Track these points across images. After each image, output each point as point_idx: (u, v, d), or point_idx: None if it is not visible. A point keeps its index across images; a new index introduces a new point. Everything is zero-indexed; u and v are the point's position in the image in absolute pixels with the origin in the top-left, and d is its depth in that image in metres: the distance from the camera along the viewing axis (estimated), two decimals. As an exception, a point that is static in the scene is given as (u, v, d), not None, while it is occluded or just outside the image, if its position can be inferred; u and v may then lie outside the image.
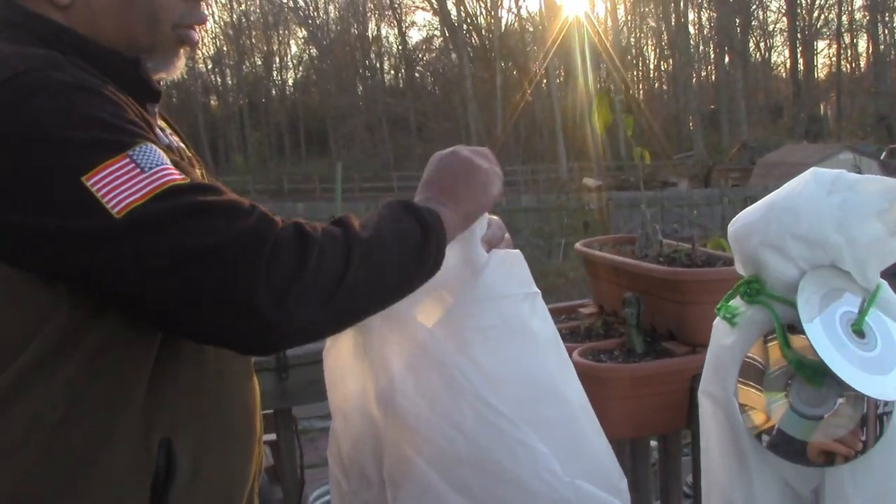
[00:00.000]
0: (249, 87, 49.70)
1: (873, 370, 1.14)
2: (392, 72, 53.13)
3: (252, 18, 49.74)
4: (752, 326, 1.25)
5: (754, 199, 1.31)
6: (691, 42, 45.55)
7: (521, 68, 41.54)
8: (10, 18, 1.02)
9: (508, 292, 1.16)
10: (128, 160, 0.88)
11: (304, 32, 49.45)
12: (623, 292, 1.84)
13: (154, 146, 0.92)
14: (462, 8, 43.88)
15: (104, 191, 0.86)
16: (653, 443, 2.13)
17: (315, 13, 49.45)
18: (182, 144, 1.18)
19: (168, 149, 1.04)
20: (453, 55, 44.21)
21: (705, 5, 45.21)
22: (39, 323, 0.91)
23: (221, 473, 1.06)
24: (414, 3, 49.59)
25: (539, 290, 1.21)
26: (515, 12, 48.96)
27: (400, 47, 50.53)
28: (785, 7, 46.02)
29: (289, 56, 52.93)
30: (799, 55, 46.71)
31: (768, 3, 47.48)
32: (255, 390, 1.16)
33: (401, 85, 50.25)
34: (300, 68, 52.81)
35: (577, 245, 2.17)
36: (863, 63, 48.88)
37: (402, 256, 1.01)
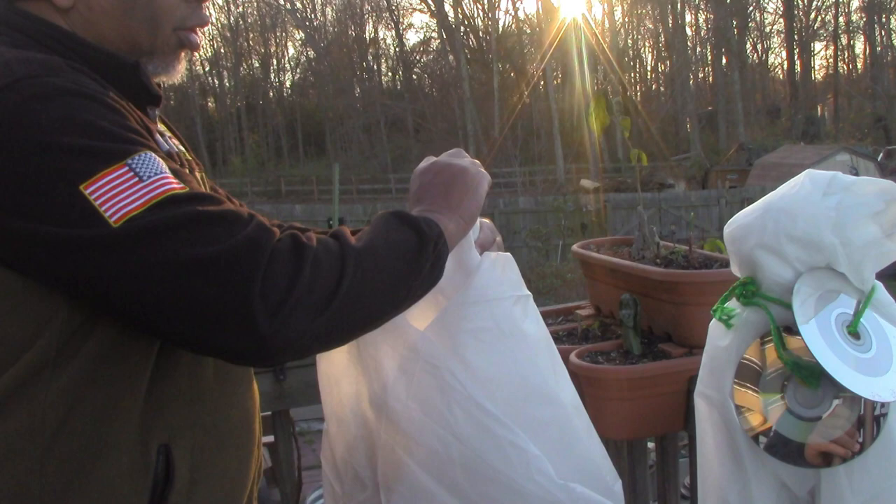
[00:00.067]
0: (247, 89, 49.66)
1: (868, 371, 1.14)
2: (389, 74, 53.21)
3: (249, 20, 49.77)
4: (748, 328, 1.25)
5: (752, 201, 1.32)
6: (688, 44, 45.58)
7: (519, 70, 41.55)
8: (11, 21, 1.01)
9: (500, 295, 1.16)
10: (126, 169, 0.88)
11: (302, 34, 49.46)
12: (620, 294, 1.84)
13: (153, 154, 0.92)
14: (459, 10, 43.92)
15: (102, 199, 0.86)
16: (650, 444, 2.13)
17: (312, 15, 49.48)
18: (181, 148, 1.18)
19: (168, 155, 1.04)
20: (450, 57, 44.21)
21: (702, 7, 45.27)
22: (38, 329, 0.91)
23: (220, 478, 1.06)
24: (411, 5, 49.67)
25: (530, 293, 1.21)
26: (513, 14, 49.09)
27: (397, 49, 50.59)
28: (782, 9, 46.10)
29: (286, 58, 52.99)
30: (796, 57, 46.81)
31: (765, 5, 47.62)
32: (255, 394, 1.16)
33: (398, 87, 50.25)
34: (297, 70, 52.87)
35: (575, 247, 2.17)
36: (860, 65, 49.03)
37: (397, 266, 1.00)
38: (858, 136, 36.19)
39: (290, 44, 52.86)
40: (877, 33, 45.51)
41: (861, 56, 48.97)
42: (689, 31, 46.47)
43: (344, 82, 46.51)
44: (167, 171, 0.91)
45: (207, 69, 46.50)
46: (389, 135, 43.82)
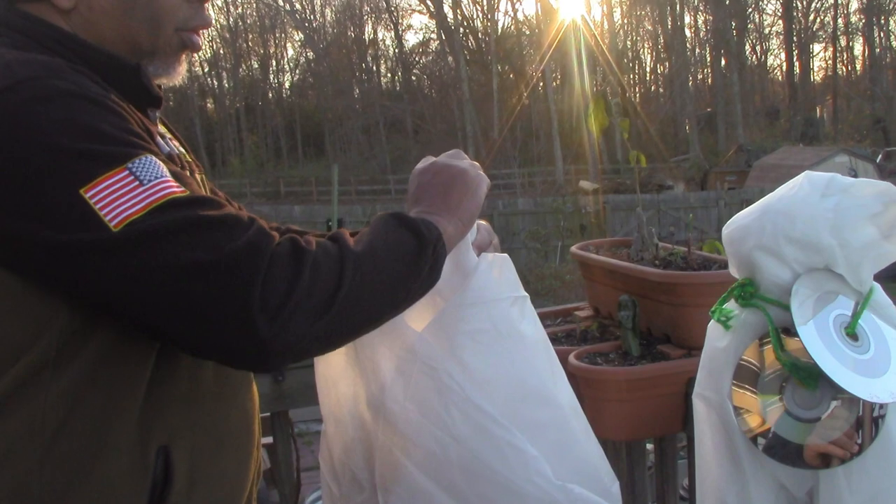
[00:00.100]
0: (246, 90, 49.67)
1: (866, 373, 1.14)
2: (389, 75, 53.21)
3: (248, 21, 49.79)
4: (747, 329, 1.25)
5: (751, 202, 1.32)
6: (687, 45, 45.61)
7: (518, 71, 41.56)
8: (11, 23, 1.01)
9: (498, 296, 1.16)
10: (127, 173, 0.88)
11: (301, 35, 49.46)
12: (619, 295, 1.84)
13: (154, 158, 0.92)
14: (458, 11, 43.93)
15: (102, 203, 0.86)
16: (649, 446, 2.13)
17: (311, 16, 49.49)
18: (182, 149, 1.17)
19: (168, 157, 1.04)
20: (450, 58, 44.23)
21: (701, 8, 45.31)
22: (39, 330, 0.91)
23: (220, 479, 1.06)
24: (410, 6, 49.79)
25: (527, 294, 1.21)
26: (512, 15, 49.04)
27: (396, 50, 50.60)
28: (781, 10, 46.15)
29: (285, 59, 52.98)
30: (795, 58, 46.84)
31: (764, 7, 47.66)
32: (255, 396, 1.16)
33: (397, 88, 50.24)
34: (297, 71, 52.85)
35: (573, 248, 2.17)
36: (859, 66, 49.07)
37: (396, 269, 1.00)
38: (857, 138, 36.23)
39: (289, 45, 52.92)
40: (876, 35, 45.58)
41: (860, 58, 49.06)
42: (688, 33, 46.54)
43: (343, 83, 46.52)
44: (168, 174, 0.91)
45: (206, 70, 46.53)
46: (388, 136, 43.83)
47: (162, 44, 1.08)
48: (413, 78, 50.03)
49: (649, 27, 47.88)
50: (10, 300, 0.90)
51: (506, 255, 1.21)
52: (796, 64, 46.90)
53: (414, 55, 50.62)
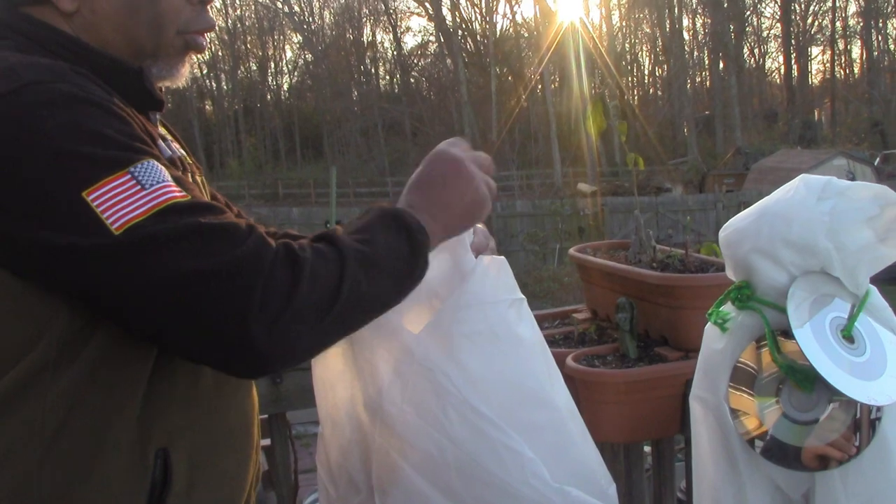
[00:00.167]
0: (244, 92, 49.66)
1: (863, 375, 1.15)
2: (387, 77, 53.23)
3: (247, 23, 49.81)
4: (743, 331, 1.26)
5: (748, 205, 1.32)
6: (686, 48, 45.64)
7: (517, 74, 41.57)
8: (15, 26, 1.02)
9: (495, 298, 1.17)
10: (129, 177, 0.88)
11: (300, 37, 49.46)
12: (617, 297, 1.84)
13: (156, 162, 0.92)
14: (457, 13, 43.98)
15: (104, 206, 0.86)
16: (646, 448, 2.13)
17: (310, 18, 49.51)
18: (182, 151, 1.18)
19: (170, 160, 1.05)
20: (448, 61, 44.24)
21: (700, 11, 45.37)
22: (39, 332, 0.91)
23: (219, 481, 1.06)
24: (409, 8, 49.82)
25: (525, 297, 1.21)
26: (510, 18, 49.05)
27: (395, 53, 50.61)
28: (779, 13, 46.22)
29: (284, 61, 52.98)
30: (793, 61, 46.90)
31: (762, 10, 47.68)
32: (254, 398, 1.16)
33: (396, 90, 50.26)
34: (295, 73, 52.84)
35: (571, 250, 2.17)
36: (856, 69, 49.16)
37: (390, 279, 1.01)
38: (855, 141, 36.25)
39: (287, 47, 52.92)
40: (873, 38, 45.64)
41: (858, 61, 49.14)
42: (686, 36, 46.59)
43: (342, 85, 46.51)
44: (169, 179, 0.92)
45: (205, 72, 46.49)
46: (387, 138, 43.82)
47: (164, 46, 1.08)
48: (411, 80, 50.05)
49: (647, 30, 47.95)
50: (11, 301, 0.91)
51: (503, 257, 1.21)
52: (794, 67, 47.02)
53: (412, 57, 50.68)
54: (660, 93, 47.28)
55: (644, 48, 49.64)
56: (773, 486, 1.25)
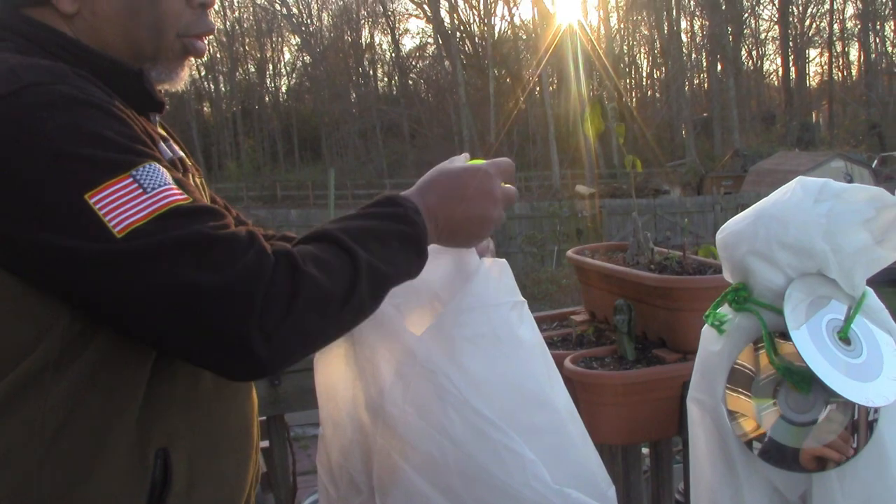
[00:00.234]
0: (242, 94, 49.60)
1: (859, 377, 1.15)
2: (385, 79, 53.19)
3: (245, 25, 49.74)
4: (740, 333, 1.26)
5: (747, 207, 1.32)
6: (684, 50, 45.64)
7: (515, 76, 41.56)
8: (16, 27, 1.02)
9: (497, 301, 1.17)
10: (130, 180, 0.89)
11: (298, 39, 49.44)
12: (614, 299, 1.85)
13: (158, 165, 0.92)
14: (455, 16, 43.96)
15: (106, 210, 0.87)
16: (644, 450, 2.13)
17: (308, 20, 49.49)
18: (182, 153, 1.18)
19: (171, 162, 1.05)
20: (446, 62, 44.24)
21: (698, 14, 45.38)
22: (40, 333, 0.92)
23: (219, 482, 1.06)
24: (407, 10, 49.78)
25: (525, 300, 1.22)
26: (508, 20, 49.11)
27: (393, 55, 50.59)
28: (777, 16, 46.25)
29: (282, 63, 52.95)
30: (791, 63, 46.89)
31: (760, 12, 47.70)
32: (254, 400, 1.17)
33: (394, 92, 50.24)
34: (293, 75, 52.80)
35: (569, 252, 2.18)
36: (854, 71, 49.19)
37: (388, 290, 1.03)
38: (853, 143, 36.25)
39: (286, 49, 52.90)
40: (871, 40, 45.65)
41: (856, 63, 49.16)
42: (684, 38, 46.58)
43: (340, 87, 46.48)
44: (171, 182, 0.92)
45: (203, 74, 46.46)
46: (385, 140, 43.78)
47: (164, 49, 1.08)
48: (410, 82, 50.04)
49: (646, 32, 47.94)
50: (11, 302, 0.91)
51: (504, 260, 1.21)
52: (792, 69, 47.01)
53: (411, 59, 50.66)
54: (658, 95, 47.28)
55: (642, 50, 49.69)
56: (771, 488, 1.25)
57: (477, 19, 45.25)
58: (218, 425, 1.07)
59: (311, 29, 49.27)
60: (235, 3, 47.47)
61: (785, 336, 1.19)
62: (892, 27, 44.96)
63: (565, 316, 2.20)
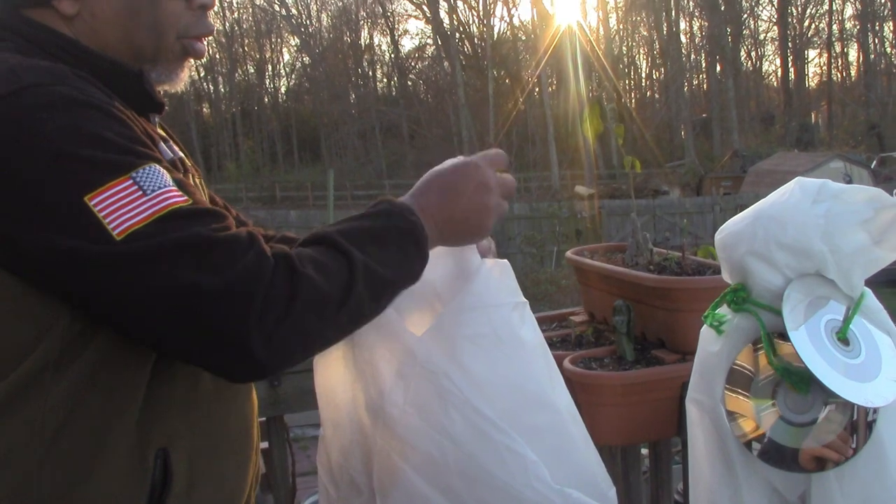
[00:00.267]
0: (242, 95, 49.57)
1: (857, 377, 1.15)
2: (385, 80, 53.19)
3: (244, 26, 49.72)
4: (739, 334, 1.26)
5: (746, 207, 1.32)
6: (683, 51, 45.62)
7: (514, 76, 41.57)
8: (16, 28, 1.02)
9: (498, 301, 1.17)
10: (130, 182, 0.89)
11: (297, 40, 49.46)
12: (614, 300, 1.85)
13: (158, 167, 0.92)
14: (454, 16, 43.97)
15: (106, 211, 0.87)
16: (644, 451, 2.13)
17: (308, 21, 49.50)
18: (182, 154, 1.18)
19: (171, 163, 1.05)
20: (446, 63, 44.25)
21: (697, 14, 45.38)
22: (40, 334, 0.92)
23: (219, 482, 1.07)
24: (406, 11, 49.75)
25: (527, 300, 1.22)
26: (508, 21, 49.04)
27: (392, 55, 50.61)
28: (776, 16, 46.30)
29: (281, 64, 52.93)
30: (790, 64, 46.93)
31: (759, 13, 47.74)
32: (254, 401, 1.17)
33: (393, 93, 50.23)
34: (293, 76, 52.79)
35: (569, 253, 2.18)
36: (853, 72, 49.20)
37: (390, 296, 1.03)
38: (852, 144, 36.28)
39: (285, 50, 52.95)
40: (870, 41, 45.67)
41: (855, 64, 49.19)
42: (683, 39, 46.57)
43: (339, 88, 46.48)
44: (171, 183, 0.92)
45: (202, 75, 46.44)
46: (384, 141, 43.76)
47: (164, 51, 1.09)
48: (409, 83, 50.04)
49: (645, 33, 47.95)
50: (11, 302, 0.91)
51: (506, 260, 1.21)
52: (791, 70, 47.04)
53: (410, 60, 50.66)
54: (657, 96, 47.29)
55: (641, 51, 49.70)
56: (770, 488, 1.25)
57: (476, 20, 45.32)
58: (218, 426, 1.07)
59: (310, 30, 49.30)
60: (234, 4, 47.52)
61: (784, 336, 1.19)
62: (891, 28, 45.02)
63: (564, 317, 2.20)
